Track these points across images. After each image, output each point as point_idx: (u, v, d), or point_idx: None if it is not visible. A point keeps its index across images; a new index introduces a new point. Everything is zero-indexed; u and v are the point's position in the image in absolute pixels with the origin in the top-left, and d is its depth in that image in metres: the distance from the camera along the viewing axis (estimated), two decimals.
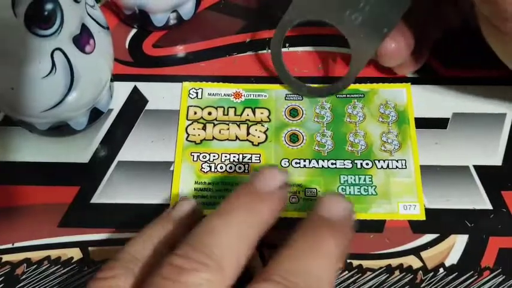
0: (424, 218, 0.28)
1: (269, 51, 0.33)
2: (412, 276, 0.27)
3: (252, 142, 0.30)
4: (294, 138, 0.30)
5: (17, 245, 0.27)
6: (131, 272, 0.22)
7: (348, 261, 0.27)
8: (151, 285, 0.20)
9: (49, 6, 0.22)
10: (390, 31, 0.28)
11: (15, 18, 0.22)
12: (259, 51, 0.33)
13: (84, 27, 0.25)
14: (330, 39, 0.33)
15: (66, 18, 0.23)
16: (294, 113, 0.31)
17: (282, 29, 0.29)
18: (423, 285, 0.26)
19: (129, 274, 0.22)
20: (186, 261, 0.20)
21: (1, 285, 0.27)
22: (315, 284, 0.20)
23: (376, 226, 0.28)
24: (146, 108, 0.31)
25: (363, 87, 0.31)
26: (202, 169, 0.29)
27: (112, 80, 0.31)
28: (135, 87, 0.32)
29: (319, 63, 0.32)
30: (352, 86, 0.31)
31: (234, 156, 0.29)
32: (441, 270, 0.27)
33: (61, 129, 0.29)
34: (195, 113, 0.31)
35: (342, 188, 0.28)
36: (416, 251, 0.27)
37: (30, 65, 0.24)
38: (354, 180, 0.29)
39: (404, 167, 0.29)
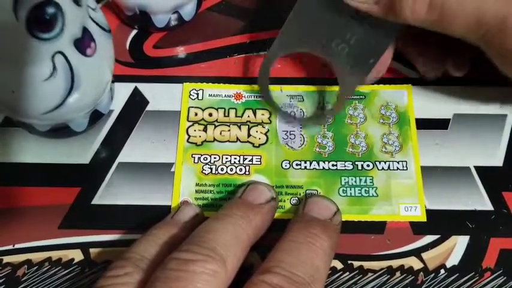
0: (425, 219, 0.28)
1: None
2: (413, 277, 0.27)
3: (253, 144, 0.30)
4: None
5: (17, 246, 0.27)
6: (140, 269, 0.23)
7: (349, 262, 0.27)
8: (158, 278, 0.21)
9: (51, 10, 0.22)
10: (377, 61, 0.27)
11: (16, 21, 0.22)
12: (260, 52, 0.33)
13: (85, 31, 0.25)
14: None
15: (68, 22, 0.23)
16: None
17: (268, 61, 0.29)
18: (424, 286, 0.26)
19: (138, 271, 0.23)
20: (191, 254, 0.22)
21: (2, 286, 0.27)
22: (313, 273, 0.22)
23: (377, 227, 0.28)
24: (147, 109, 0.31)
25: (363, 88, 0.31)
26: (203, 171, 0.29)
27: (112, 81, 0.31)
28: (136, 88, 0.32)
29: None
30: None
31: (235, 158, 0.29)
32: (442, 271, 0.27)
33: (61, 131, 0.29)
34: (196, 114, 0.31)
35: (343, 190, 0.28)
36: (417, 252, 0.27)
37: (30, 67, 0.24)
38: (355, 181, 0.29)
39: (405, 168, 0.29)
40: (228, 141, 0.30)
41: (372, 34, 0.27)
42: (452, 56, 0.29)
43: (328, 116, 0.30)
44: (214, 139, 0.30)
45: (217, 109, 0.31)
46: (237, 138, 0.30)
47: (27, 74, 0.24)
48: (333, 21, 0.27)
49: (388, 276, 0.27)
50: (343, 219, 0.27)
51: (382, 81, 0.31)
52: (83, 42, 0.25)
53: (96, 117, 0.30)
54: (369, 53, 0.27)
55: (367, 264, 0.27)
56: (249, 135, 0.30)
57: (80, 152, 0.30)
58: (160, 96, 0.31)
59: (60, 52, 0.24)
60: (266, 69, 0.29)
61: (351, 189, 0.29)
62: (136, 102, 0.31)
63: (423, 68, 0.30)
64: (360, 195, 0.28)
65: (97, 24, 0.26)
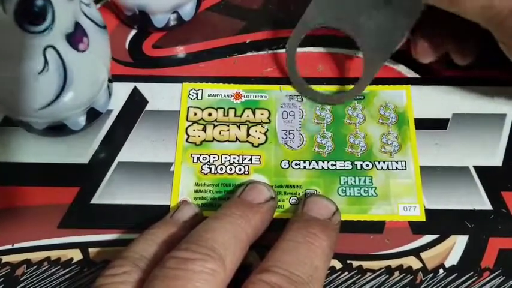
0: (424, 219, 0.28)
1: (269, 52, 0.33)
2: (412, 277, 0.27)
3: (252, 143, 0.30)
4: None
5: (16, 245, 0.27)
6: (139, 268, 0.23)
7: (348, 262, 0.27)
8: (157, 277, 0.21)
9: (39, 2, 0.22)
10: (401, 39, 0.28)
11: (4, 14, 0.21)
12: (260, 52, 0.33)
13: (77, 25, 0.25)
14: (328, 41, 0.33)
15: (58, 15, 0.23)
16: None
17: (295, 36, 0.29)
18: (423, 286, 0.26)
19: (137, 270, 0.23)
20: (190, 253, 0.21)
21: (1, 286, 0.27)
22: (312, 273, 0.22)
23: (376, 227, 0.28)
24: (146, 108, 0.31)
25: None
26: (203, 171, 0.29)
27: (110, 80, 0.31)
28: (135, 88, 0.32)
29: (318, 65, 0.32)
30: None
31: (234, 158, 0.29)
32: (441, 271, 0.27)
33: (58, 129, 0.29)
34: (195, 114, 0.31)
35: (342, 189, 0.28)
36: (416, 252, 0.27)
37: (22, 62, 0.23)
38: (354, 181, 0.29)
39: (404, 168, 0.29)
40: (227, 140, 0.30)
41: (397, 12, 0.27)
42: (457, 43, 0.29)
43: (350, 95, 0.30)
44: (214, 139, 0.30)
45: (216, 109, 0.31)
46: (236, 137, 0.30)
47: (18, 68, 0.24)
48: None
49: (387, 275, 0.27)
50: (342, 219, 0.27)
51: (381, 81, 0.32)
52: (75, 37, 0.24)
53: (93, 115, 0.30)
54: (394, 30, 0.27)
55: (366, 264, 0.27)
56: (248, 134, 0.30)
57: (79, 152, 0.30)
58: (159, 96, 0.31)
59: (52, 46, 0.24)
60: (294, 42, 0.29)
61: (350, 189, 0.29)
62: (136, 101, 0.31)
63: (419, 50, 0.30)
64: (359, 195, 0.28)
65: (90, 19, 0.26)
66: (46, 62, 0.24)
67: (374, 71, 0.29)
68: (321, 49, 0.33)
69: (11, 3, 0.21)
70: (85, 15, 0.25)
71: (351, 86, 0.31)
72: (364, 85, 0.30)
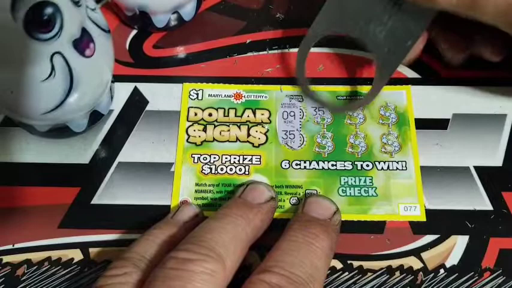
0: (424, 219, 0.28)
1: (269, 52, 0.33)
2: (412, 277, 0.27)
3: (253, 143, 0.30)
4: None
5: (17, 246, 0.27)
6: (140, 269, 0.23)
7: (349, 262, 0.27)
8: (157, 277, 0.21)
9: (49, 10, 0.22)
10: (414, 44, 0.27)
11: (14, 22, 0.21)
12: (260, 52, 0.33)
13: (84, 31, 0.25)
14: (329, 40, 0.33)
15: (66, 22, 0.23)
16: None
17: (306, 44, 0.29)
18: (424, 286, 0.26)
19: (138, 271, 0.23)
20: (190, 254, 0.22)
21: (2, 286, 0.27)
22: (312, 273, 0.22)
23: (376, 227, 0.28)
24: (146, 109, 0.31)
25: (363, 89, 0.31)
26: (203, 171, 0.29)
27: (112, 81, 0.31)
28: (136, 88, 0.32)
29: (319, 65, 0.32)
30: (353, 88, 0.31)
31: (234, 158, 0.29)
32: (442, 271, 0.27)
33: (61, 131, 0.29)
34: (196, 114, 0.31)
35: (342, 190, 0.28)
36: (416, 252, 0.27)
37: (29, 68, 0.24)
38: (354, 181, 0.29)
39: (405, 168, 0.29)
40: (228, 141, 0.30)
41: (409, 17, 0.27)
42: (488, 41, 0.29)
43: (361, 103, 0.30)
44: (214, 139, 0.30)
45: (217, 109, 0.31)
46: (237, 138, 0.30)
47: (26, 75, 0.24)
48: (371, 4, 0.27)
49: (388, 276, 0.27)
50: (342, 219, 0.27)
51: None
52: (82, 43, 0.25)
53: (95, 117, 0.30)
54: (406, 35, 0.27)
55: (366, 264, 0.27)
56: (248, 135, 0.30)
57: (80, 152, 0.30)
58: (160, 96, 0.31)
59: (59, 53, 0.24)
60: (304, 51, 0.29)
61: (350, 189, 0.29)
62: (136, 102, 0.31)
63: (449, 53, 0.30)
64: (359, 195, 0.28)
65: (96, 24, 0.26)
66: (53, 68, 0.24)
67: (387, 77, 0.29)
68: (322, 49, 0.33)
69: (21, 11, 0.21)
70: (91, 20, 0.25)
71: (352, 87, 0.31)
72: (376, 93, 0.29)
